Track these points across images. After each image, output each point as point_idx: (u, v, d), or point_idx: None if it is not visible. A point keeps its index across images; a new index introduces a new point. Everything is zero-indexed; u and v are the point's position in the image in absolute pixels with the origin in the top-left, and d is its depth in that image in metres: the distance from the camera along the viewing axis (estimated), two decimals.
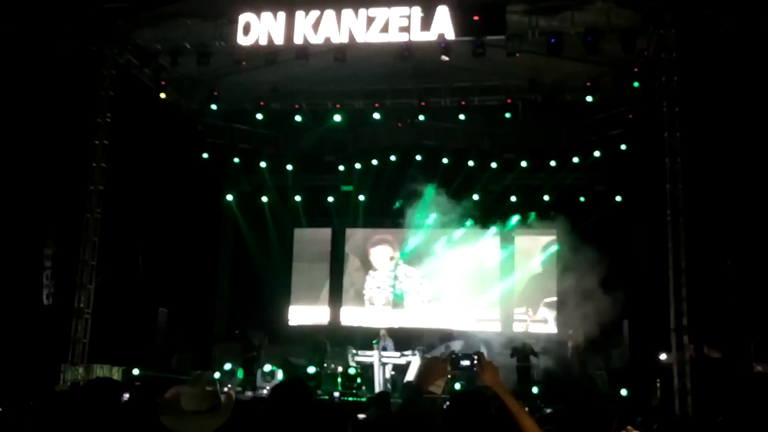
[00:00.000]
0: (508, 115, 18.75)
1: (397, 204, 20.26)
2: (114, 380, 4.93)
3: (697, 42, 14.79)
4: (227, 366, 17.54)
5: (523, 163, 20.66)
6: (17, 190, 17.22)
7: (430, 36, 15.05)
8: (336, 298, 22.08)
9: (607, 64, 16.94)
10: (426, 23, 14.99)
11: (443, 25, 14.94)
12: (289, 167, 21.97)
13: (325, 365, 18.09)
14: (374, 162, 21.47)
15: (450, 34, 14.94)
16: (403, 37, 15.17)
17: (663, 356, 15.74)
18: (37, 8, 16.36)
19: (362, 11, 15.22)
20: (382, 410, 8.49)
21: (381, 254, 21.95)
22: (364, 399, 15.05)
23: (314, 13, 15.34)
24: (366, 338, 18.94)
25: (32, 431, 5.19)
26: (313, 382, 16.35)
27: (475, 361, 3.86)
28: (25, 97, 16.78)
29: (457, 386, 13.24)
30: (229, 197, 22.40)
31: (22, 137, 17.08)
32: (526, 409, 3.96)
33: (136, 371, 16.66)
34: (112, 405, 3.87)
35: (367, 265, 22.15)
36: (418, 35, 15.06)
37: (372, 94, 19.10)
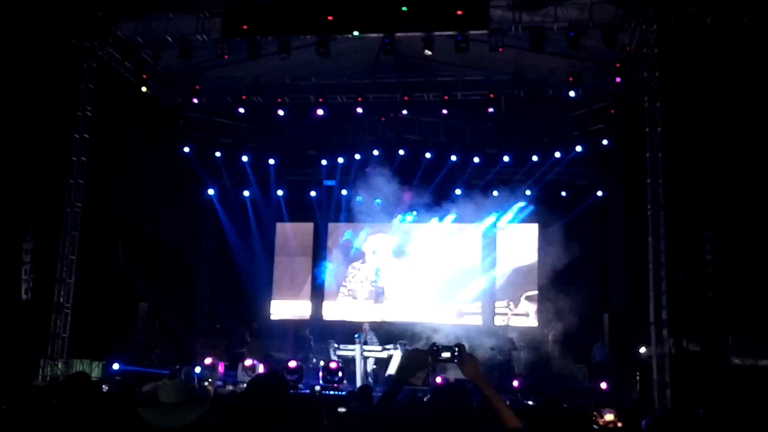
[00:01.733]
0: (490, 109, 18.77)
1: (378, 200, 20.23)
2: (87, 376, 4.89)
3: (678, 38, 14.88)
4: (208, 360, 17.46)
5: (506, 158, 20.72)
6: None
7: None
8: (318, 292, 22.04)
9: (590, 60, 17.02)
10: None
11: None
12: (271, 161, 21.88)
13: (313, 360, 18.09)
14: (357, 156, 21.42)
15: None
16: None
17: (642, 350, 15.86)
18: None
19: None
20: (364, 403, 8.51)
21: (375, 247, 21.84)
22: (344, 393, 15.06)
23: None
24: (348, 332, 18.94)
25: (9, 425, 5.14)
26: (295, 376, 16.31)
27: (456, 353, 3.86)
28: (4, 90, 16.60)
29: (438, 379, 13.27)
30: (211, 191, 22.29)
31: (1, 131, 16.91)
32: (507, 402, 3.97)
33: (116, 366, 16.57)
34: (87, 400, 3.85)
35: (353, 258, 22.02)
36: None
37: (355, 89, 19.08)
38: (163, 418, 3.49)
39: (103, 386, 12.22)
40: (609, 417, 7.35)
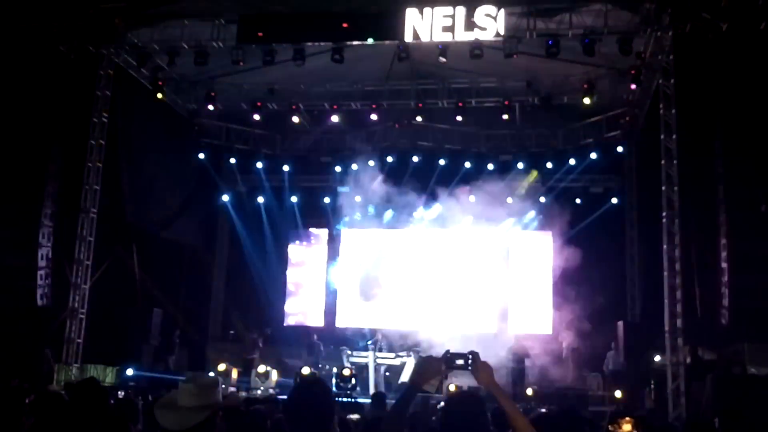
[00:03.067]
0: (505, 116, 18.75)
1: (392, 207, 20.27)
2: (97, 382, 4.93)
3: (694, 44, 14.81)
4: (221, 366, 17.50)
5: (520, 165, 20.67)
6: (12, 189, 17.17)
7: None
8: (331, 298, 22.03)
9: (604, 67, 16.98)
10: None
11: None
12: (286, 168, 21.93)
13: (320, 366, 18.10)
14: (371, 163, 21.43)
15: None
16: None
17: (657, 358, 15.76)
18: (34, 7, 16.32)
19: None
20: (377, 410, 8.50)
21: (388, 253, 21.79)
22: (355, 399, 15.11)
23: None
24: (361, 339, 18.95)
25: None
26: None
27: (470, 361, 3.85)
28: (21, 96, 16.74)
29: (452, 387, 13.24)
30: (225, 197, 22.37)
31: (17, 136, 17.04)
32: (521, 410, 3.96)
33: (129, 371, 16.62)
34: (96, 406, 3.88)
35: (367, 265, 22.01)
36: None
37: (369, 95, 19.10)
38: (177, 421, 3.52)
39: (119, 392, 12.29)
40: (626, 428, 7.30)
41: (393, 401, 4.07)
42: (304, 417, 3.57)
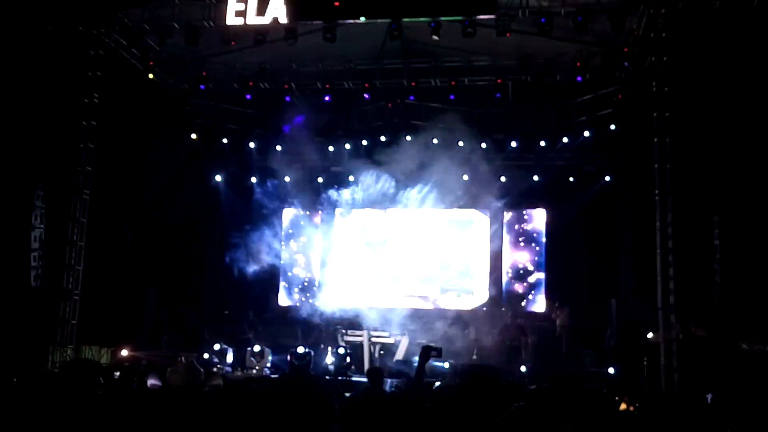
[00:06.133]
0: (498, 95, 18.71)
1: (384, 187, 20.26)
2: (92, 362, 4.93)
3: (686, 21, 14.75)
4: (217, 346, 17.55)
5: (513, 143, 20.66)
6: (4, 172, 17.09)
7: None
8: (324, 278, 22.06)
9: (597, 44, 16.93)
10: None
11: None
12: (278, 148, 21.88)
13: (321, 346, 18.18)
14: (364, 142, 21.40)
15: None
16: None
17: (650, 335, 15.86)
18: None
19: None
20: (374, 386, 8.53)
21: (383, 232, 21.81)
22: (350, 378, 15.21)
23: None
24: (355, 318, 18.99)
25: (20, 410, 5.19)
26: (304, 362, 16.41)
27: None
28: (10, 78, 16.61)
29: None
30: (218, 177, 22.33)
31: (8, 118, 16.94)
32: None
33: (124, 352, 16.66)
34: (90, 387, 3.88)
35: (362, 244, 22.04)
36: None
37: (361, 75, 19.02)
38: None
39: (115, 373, 12.31)
40: (622, 406, 7.41)
41: (388, 379, 4.13)
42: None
